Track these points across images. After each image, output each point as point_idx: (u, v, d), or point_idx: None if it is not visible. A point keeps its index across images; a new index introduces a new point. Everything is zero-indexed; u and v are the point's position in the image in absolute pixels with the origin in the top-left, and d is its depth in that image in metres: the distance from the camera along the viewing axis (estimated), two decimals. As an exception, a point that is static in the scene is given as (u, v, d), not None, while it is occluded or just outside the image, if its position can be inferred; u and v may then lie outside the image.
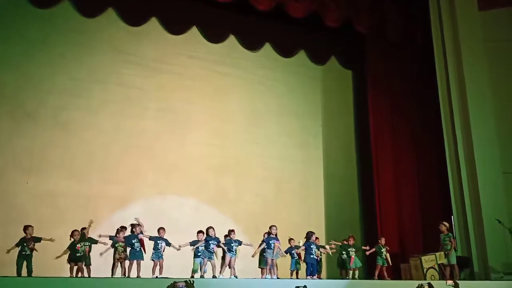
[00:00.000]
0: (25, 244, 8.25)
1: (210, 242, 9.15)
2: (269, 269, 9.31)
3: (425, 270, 10.29)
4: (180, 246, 9.12)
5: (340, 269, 10.37)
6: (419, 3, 13.35)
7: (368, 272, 11.09)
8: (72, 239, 8.61)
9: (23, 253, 8.21)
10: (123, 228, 9.04)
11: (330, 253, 10.34)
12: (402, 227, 12.70)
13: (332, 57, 14.24)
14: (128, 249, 8.85)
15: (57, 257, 8.48)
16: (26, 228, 8.41)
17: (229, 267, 9.35)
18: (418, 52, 13.54)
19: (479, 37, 12.55)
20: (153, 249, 9.01)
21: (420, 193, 13.01)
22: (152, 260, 8.94)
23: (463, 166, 11.91)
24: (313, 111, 13.93)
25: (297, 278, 9.75)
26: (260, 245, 9.43)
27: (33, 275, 8.09)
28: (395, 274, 11.20)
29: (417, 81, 13.54)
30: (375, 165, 13.08)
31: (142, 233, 8.99)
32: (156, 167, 11.63)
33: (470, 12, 12.66)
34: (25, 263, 8.18)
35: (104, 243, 8.87)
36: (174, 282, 4.35)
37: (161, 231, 9.21)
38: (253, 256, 9.51)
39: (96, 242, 8.85)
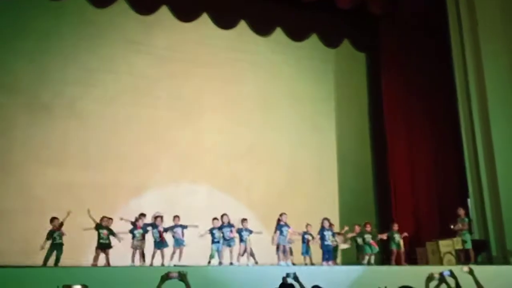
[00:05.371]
0: (54, 235, 8.53)
1: (224, 229, 9.35)
2: (283, 255, 9.43)
3: (442, 254, 10.22)
4: (201, 235, 9.33)
5: (357, 254, 10.38)
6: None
7: (384, 257, 11.04)
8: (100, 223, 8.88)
9: (55, 242, 8.51)
10: (142, 215, 9.28)
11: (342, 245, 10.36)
12: (417, 211, 12.58)
13: (344, 40, 14.02)
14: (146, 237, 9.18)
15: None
16: (51, 220, 8.68)
17: (245, 255, 9.49)
18: (434, 33, 13.21)
19: (496, 16, 12.18)
20: (173, 237, 9.31)
21: (436, 176, 12.83)
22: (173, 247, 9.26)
23: (480, 148, 11.66)
24: (326, 95, 13.79)
25: (311, 263, 9.83)
26: (275, 233, 9.56)
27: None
28: (411, 258, 11.16)
29: (432, 63, 13.26)
30: (390, 149, 12.96)
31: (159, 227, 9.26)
32: (169, 155, 11.71)
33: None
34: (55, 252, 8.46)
35: (121, 238, 9.08)
36: (168, 272, 4.47)
37: (176, 219, 9.46)
38: (273, 244, 9.63)
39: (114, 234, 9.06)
